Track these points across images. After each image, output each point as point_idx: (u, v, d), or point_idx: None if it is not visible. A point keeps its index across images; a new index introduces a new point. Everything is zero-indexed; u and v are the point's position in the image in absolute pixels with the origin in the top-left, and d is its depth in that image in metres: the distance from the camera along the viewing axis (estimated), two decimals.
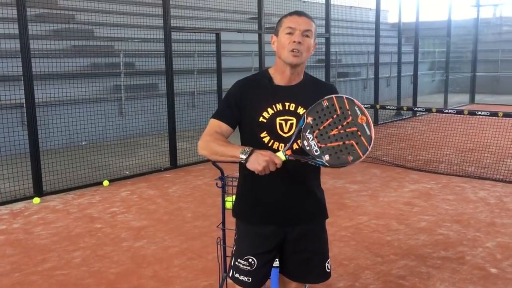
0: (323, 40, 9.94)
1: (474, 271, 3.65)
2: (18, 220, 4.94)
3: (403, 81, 12.84)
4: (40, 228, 4.69)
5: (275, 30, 2.13)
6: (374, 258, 3.88)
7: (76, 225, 4.75)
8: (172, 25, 6.95)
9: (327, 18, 9.73)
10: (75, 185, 6.07)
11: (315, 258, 2.20)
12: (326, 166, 1.90)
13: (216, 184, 2.96)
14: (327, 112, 1.90)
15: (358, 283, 3.48)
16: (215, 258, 3.58)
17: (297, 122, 2.03)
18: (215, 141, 2.02)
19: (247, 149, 1.89)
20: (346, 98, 1.90)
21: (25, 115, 5.68)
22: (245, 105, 2.08)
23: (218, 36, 7.50)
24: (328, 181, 6.16)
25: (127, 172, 6.73)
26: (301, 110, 2.05)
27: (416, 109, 8.71)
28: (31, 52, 5.55)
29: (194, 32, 8.55)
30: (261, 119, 2.05)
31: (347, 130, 1.87)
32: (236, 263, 2.17)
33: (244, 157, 1.89)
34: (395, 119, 11.84)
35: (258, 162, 1.85)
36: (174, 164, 7.10)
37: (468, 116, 6.84)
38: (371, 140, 1.87)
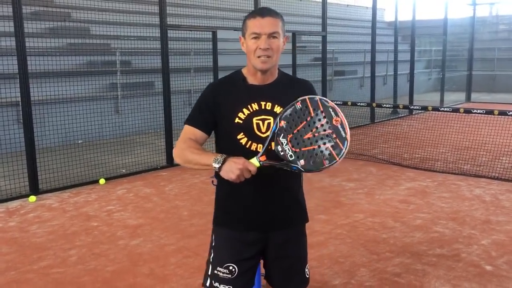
0: (319, 38, 9.94)
1: (469, 268, 3.66)
2: (14, 218, 4.93)
3: (399, 80, 12.86)
4: (36, 226, 4.68)
5: (241, 31, 2.04)
6: (370, 256, 3.90)
7: (72, 223, 4.74)
8: (168, 23, 6.95)
9: (324, 16, 9.73)
10: (71, 183, 6.06)
11: (296, 265, 2.15)
12: (301, 171, 1.84)
13: (212, 182, 2.95)
14: (300, 115, 1.83)
15: (353, 281, 3.49)
16: None
17: (275, 122, 1.95)
18: (188, 149, 1.97)
19: (220, 157, 1.83)
20: (319, 99, 1.83)
21: (21, 113, 5.67)
22: (219, 107, 2.02)
23: (214, 34, 7.49)
24: (324, 179, 6.17)
25: (124, 170, 6.73)
26: (278, 109, 2.00)
27: (412, 107, 8.72)
28: (27, 50, 5.54)
29: (191, 30, 8.55)
30: (237, 120, 2.00)
31: (322, 133, 1.80)
32: (215, 271, 2.07)
33: (217, 166, 1.83)
34: (392, 118, 11.87)
35: (231, 170, 1.79)
36: (170, 162, 7.10)
37: (464, 114, 6.88)
38: (346, 142, 1.78)
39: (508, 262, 3.76)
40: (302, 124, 1.82)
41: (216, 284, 2.06)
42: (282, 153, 1.84)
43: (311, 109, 1.82)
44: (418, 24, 13.14)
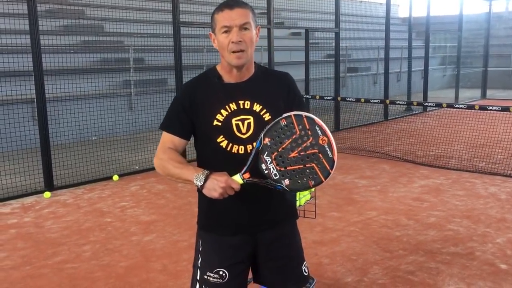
0: (332, 35, 9.89)
1: (483, 267, 3.62)
2: (29, 214, 4.99)
3: (413, 76, 12.76)
4: (50, 222, 4.74)
5: (211, 26, 1.92)
6: (382, 253, 3.87)
7: (86, 219, 4.79)
8: (181, 20, 6.96)
9: (337, 12, 9.67)
10: (85, 179, 6.12)
11: (291, 264, 2.07)
12: (286, 190, 1.76)
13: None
14: (285, 132, 1.72)
15: (366, 278, 3.47)
16: None
17: (255, 121, 1.89)
18: (169, 161, 1.88)
19: (202, 174, 1.76)
20: (305, 116, 1.72)
21: (36, 110, 5.73)
22: (196, 110, 1.92)
23: None
24: (337, 176, 6.14)
25: (137, 167, 6.77)
26: (257, 107, 1.90)
27: (426, 104, 8.65)
28: (42, 47, 5.60)
29: (203, 27, 8.55)
30: (215, 122, 1.89)
31: (308, 152, 1.70)
32: (205, 276, 1.99)
33: (199, 184, 1.76)
34: (405, 115, 11.77)
35: (214, 188, 1.73)
36: None
37: (479, 111, 6.78)
38: (333, 163, 1.70)
39: None
40: (287, 142, 1.72)
41: None
42: (266, 172, 1.76)
43: (296, 126, 1.72)
44: (432, 20, 13.01)
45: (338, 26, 9.70)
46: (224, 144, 1.90)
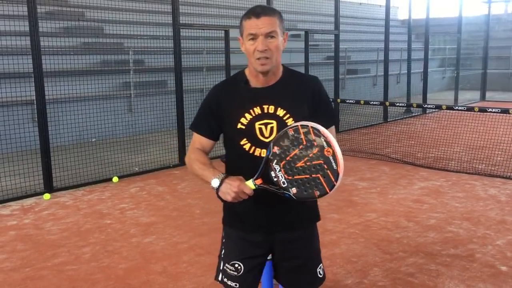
0: (332, 37, 9.90)
1: (484, 269, 3.62)
2: (29, 215, 4.98)
3: (413, 78, 12.76)
4: (50, 223, 4.73)
5: (239, 31, 1.98)
6: (382, 255, 3.87)
7: (86, 221, 4.78)
8: (181, 22, 6.97)
9: (337, 15, 9.68)
10: (85, 181, 6.11)
11: (307, 265, 2.11)
12: (293, 199, 1.79)
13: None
14: (293, 142, 1.76)
15: (366, 280, 3.47)
16: None
17: (278, 125, 1.92)
18: (196, 162, 1.99)
19: (218, 178, 1.85)
20: (311, 127, 1.74)
21: (36, 112, 5.73)
22: (223, 113, 2.00)
23: (227, 33, 7.50)
24: None
25: (136, 169, 6.77)
26: (280, 112, 1.95)
27: (426, 106, 8.64)
28: (42, 49, 5.60)
29: (203, 29, 8.57)
30: (239, 125, 1.96)
31: (313, 162, 1.73)
32: (224, 267, 2.11)
33: (215, 186, 1.85)
34: (405, 116, 11.77)
35: (227, 192, 1.81)
36: (183, 161, 7.12)
37: (478, 113, 6.79)
38: (337, 175, 1.71)
39: None
40: (294, 152, 1.76)
41: (225, 280, 2.10)
42: (275, 179, 1.80)
43: (303, 136, 1.74)
44: (432, 22, 13.01)
45: (337, 28, 9.71)
46: (247, 147, 1.97)
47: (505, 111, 6.32)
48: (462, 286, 3.36)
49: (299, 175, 1.76)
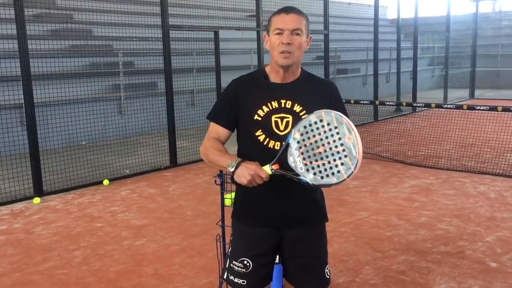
0: (321, 37, 9.93)
1: (474, 265, 3.65)
2: (19, 220, 4.94)
3: (402, 77, 12.83)
4: (40, 227, 4.70)
5: (266, 29, 2.08)
6: (374, 254, 3.89)
7: (77, 225, 4.76)
8: (170, 23, 6.95)
9: (326, 14, 9.72)
10: (75, 184, 6.08)
11: (313, 264, 2.13)
12: (309, 185, 1.82)
13: (215, 181, 2.96)
14: (314, 128, 1.80)
15: (358, 279, 3.48)
16: (215, 255, 3.58)
17: (294, 120, 1.98)
18: (211, 148, 2.03)
19: (234, 161, 1.88)
20: (334, 114, 1.79)
21: (24, 115, 5.69)
22: (241, 103, 2.06)
23: (216, 34, 7.49)
24: None
25: (127, 171, 6.74)
26: (297, 108, 2.02)
27: (415, 104, 8.70)
28: (30, 52, 5.55)
29: (193, 31, 8.55)
30: (256, 117, 2.02)
31: (334, 149, 1.76)
32: (231, 265, 2.12)
33: (231, 169, 1.88)
34: (395, 115, 11.84)
35: (243, 175, 1.83)
36: (174, 163, 7.11)
37: (467, 111, 6.85)
38: (357, 162, 1.73)
39: None
40: (315, 138, 1.79)
41: (231, 277, 2.11)
42: (293, 164, 1.83)
43: (325, 123, 1.78)
44: (420, 21, 13.11)
45: (327, 28, 9.74)
46: (261, 138, 2.02)
47: (493, 108, 6.39)
48: (453, 283, 3.39)
49: (317, 161, 1.79)
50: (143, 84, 9.53)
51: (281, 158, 1.86)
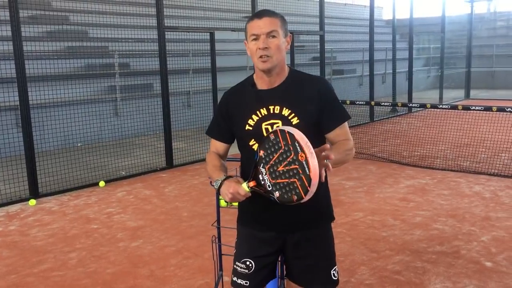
0: (317, 38, 9.95)
1: (469, 265, 3.67)
2: (14, 222, 4.93)
3: (398, 78, 12.87)
4: (36, 229, 4.69)
5: (245, 36, 2.07)
6: (369, 254, 3.90)
7: (72, 226, 4.75)
8: (166, 24, 6.95)
9: (321, 15, 9.73)
10: (71, 186, 6.06)
11: (319, 265, 2.11)
12: (278, 202, 1.79)
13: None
14: (274, 147, 1.76)
15: (353, 279, 3.49)
16: (211, 256, 3.58)
17: (283, 125, 1.95)
18: (209, 164, 2.10)
19: (220, 180, 1.93)
20: (287, 132, 1.72)
21: (20, 117, 5.67)
22: (232, 116, 2.08)
23: (212, 35, 7.50)
24: None
25: (123, 173, 6.73)
26: (286, 112, 1.99)
27: (411, 105, 8.72)
28: (25, 54, 5.54)
29: (188, 32, 8.55)
30: (247, 127, 2.02)
31: (291, 167, 1.72)
32: (235, 266, 2.13)
33: (216, 187, 1.94)
34: (391, 116, 11.87)
35: (225, 193, 1.87)
36: (170, 164, 7.10)
37: (462, 111, 6.87)
38: (310, 181, 1.66)
39: (508, 258, 3.77)
40: (276, 156, 1.76)
41: (235, 278, 2.13)
42: (262, 182, 1.82)
43: (281, 141, 1.74)
44: (416, 22, 13.15)
45: (323, 29, 9.76)
46: (255, 147, 2.02)
47: (488, 108, 6.41)
48: (448, 283, 3.40)
49: (280, 179, 1.76)
50: (139, 85, 9.52)
51: (254, 175, 1.85)
